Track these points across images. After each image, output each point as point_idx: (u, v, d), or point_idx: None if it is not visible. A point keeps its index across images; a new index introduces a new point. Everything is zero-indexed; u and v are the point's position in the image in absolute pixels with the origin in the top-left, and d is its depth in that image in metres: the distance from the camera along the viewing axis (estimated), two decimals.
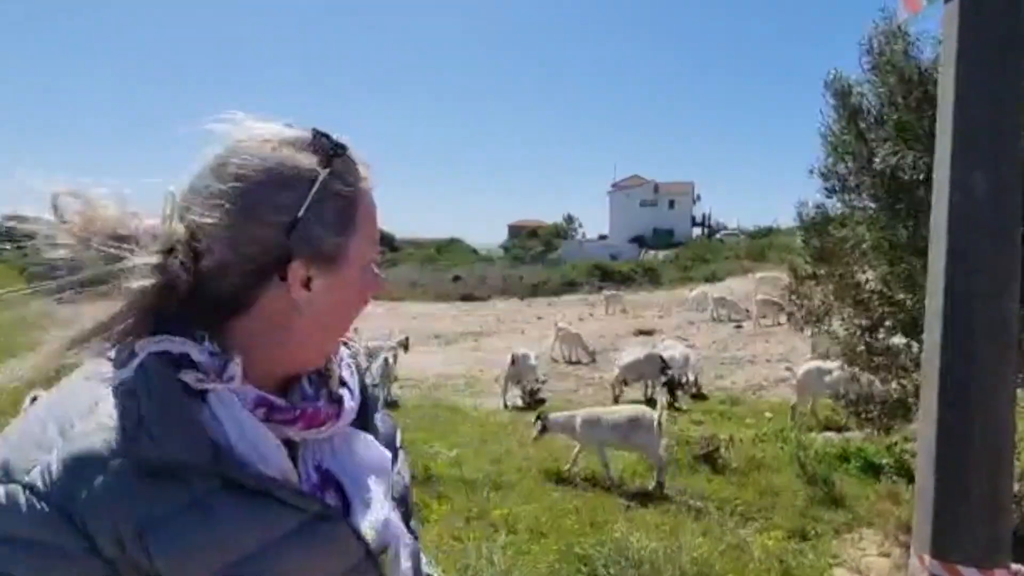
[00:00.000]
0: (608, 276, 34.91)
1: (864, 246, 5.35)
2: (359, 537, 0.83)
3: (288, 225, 0.79)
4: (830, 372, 7.90)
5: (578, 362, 15.04)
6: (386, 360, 10.69)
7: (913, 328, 5.37)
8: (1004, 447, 2.77)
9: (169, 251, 0.77)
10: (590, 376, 13.39)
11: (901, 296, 5.29)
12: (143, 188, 0.84)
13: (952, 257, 2.77)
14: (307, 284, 0.82)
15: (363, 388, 0.99)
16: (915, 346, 5.46)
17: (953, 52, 2.80)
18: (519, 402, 11.25)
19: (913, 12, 3.00)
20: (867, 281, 5.39)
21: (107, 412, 0.72)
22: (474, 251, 58.48)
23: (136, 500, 0.70)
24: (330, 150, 0.83)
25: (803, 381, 9.15)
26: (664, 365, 10.95)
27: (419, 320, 23.11)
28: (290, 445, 0.83)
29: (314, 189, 0.80)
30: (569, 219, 69.15)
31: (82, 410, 0.73)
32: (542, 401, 11.20)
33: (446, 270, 39.54)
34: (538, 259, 46.20)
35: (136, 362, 0.75)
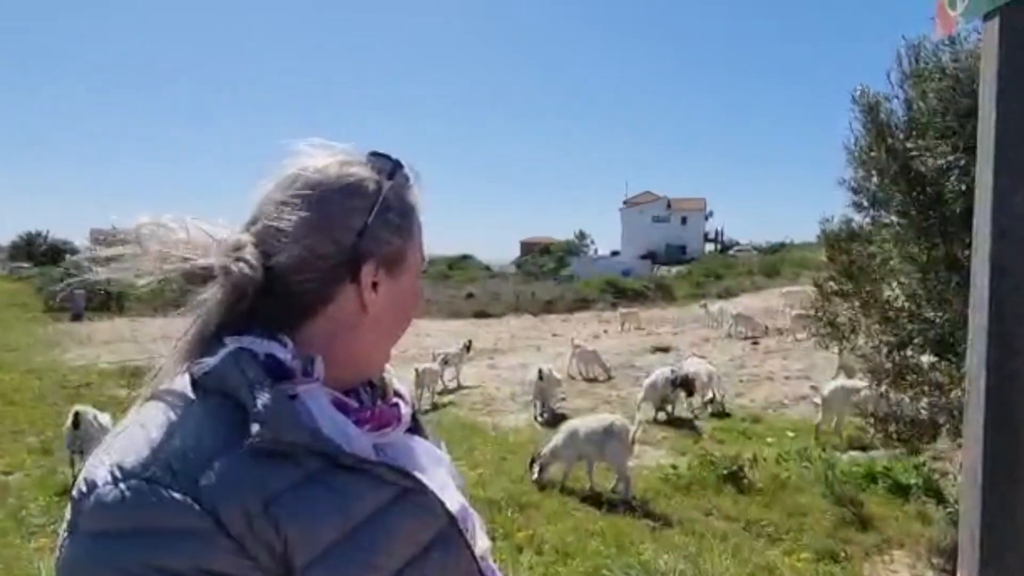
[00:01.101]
0: (621, 293, 34.80)
1: (892, 262, 5.30)
2: (444, 507, 0.87)
3: (359, 229, 0.86)
4: (857, 391, 7.80)
5: (595, 379, 14.95)
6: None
7: (943, 346, 5.30)
8: None
9: (235, 257, 0.82)
10: (608, 394, 13.29)
11: (930, 313, 5.23)
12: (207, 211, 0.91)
13: (996, 274, 2.72)
14: (375, 287, 0.88)
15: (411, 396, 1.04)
16: (944, 364, 5.40)
17: (994, 69, 2.77)
18: (538, 419, 11.21)
19: (948, 32, 2.98)
20: (896, 298, 5.33)
21: (207, 403, 0.78)
22: (487, 267, 58.56)
23: (256, 478, 0.74)
24: (390, 165, 0.92)
25: (828, 400, 9.03)
26: (676, 380, 10.86)
27: (434, 337, 23.12)
28: None
29: (381, 197, 0.88)
30: (581, 235, 69.22)
31: (180, 409, 0.79)
32: (564, 417, 11.15)
33: (459, 287, 39.58)
34: (550, 275, 46.18)
35: (224, 352, 0.80)
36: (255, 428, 0.74)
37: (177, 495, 0.71)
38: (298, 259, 0.84)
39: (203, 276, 0.82)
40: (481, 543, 0.97)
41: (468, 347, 15.88)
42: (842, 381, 9.02)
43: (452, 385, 14.61)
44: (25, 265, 42.90)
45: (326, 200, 0.86)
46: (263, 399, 0.76)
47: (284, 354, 0.82)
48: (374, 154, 0.93)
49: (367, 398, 0.95)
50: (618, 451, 6.84)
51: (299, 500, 0.75)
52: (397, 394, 1.00)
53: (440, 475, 0.95)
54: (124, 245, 0.84)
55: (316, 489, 0.77)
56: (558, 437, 7.11)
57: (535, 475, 7.07)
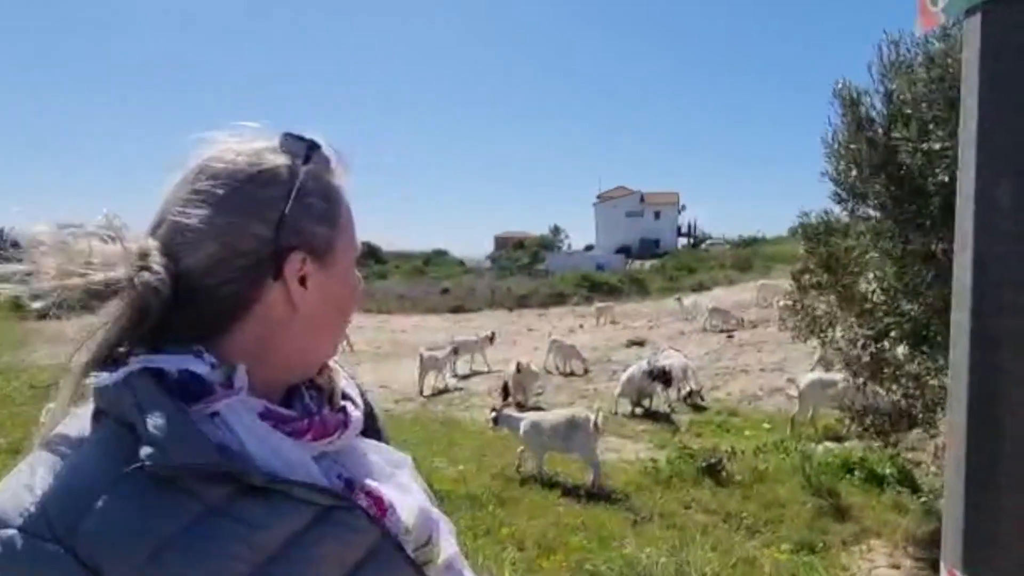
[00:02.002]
0: (596, 287, 34.95)
1: (869, 255, 5.36)
2: (372, 520, 0.78)
3: (277, 220, 0.78)
4: (833, 383, 7.89)
5: (572, 373, 14.99)
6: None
7: (918, 338, 5.38)
8: None
9: (140, 267, 0.74)
10: (585, 388, 13.34)
11: (906, 306, 5.30)
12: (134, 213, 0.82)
13: (978, 268, 2.76)
14: (303, 281, 0.80)
15: (365, 400, 0.96)
16: (919, 356, 5.48)
17: (975, 63, 2.80)
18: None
19: (931, 28, 3.00)
20: (873, 291, 5.39)
21: (98, 434, 0.70)
22: (461, 263, 58.46)
23: (144, 520, 0.65)
24: (306, 148, 0.82)
25: (805, 393, 9.13)
26: (653, 372, 10.93)
27: (409, 333, 23.02)
28: None
29: (296, 184, 0.79)
30: (555, 230, 69.42)
31: (71, 440, 0.71)
32: (538, 411, 11.17)
33: (434, 283, 39.45)
34: (525, 270, 46.21)
35: (120, 373, 0.71)
36: (144, 452, 0.66)
37: (51, 546, 0.62)
38: (211, 260, 0.76)
39: (107, 292, 0.73)
40: (447, 550, 0.90)
41: (492, 338, 16.53)
42: (819, 374, 9.13)
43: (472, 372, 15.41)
44: None
45: (235, 191, 0.77)
46: (155, 420, 0.68)
47: (202, 367, 0.74)
48: (288, 136, 0.83)
49: (313, 403, 0.87)
50: (583, 442, 6.99)
51: (197, 540, 0.66)
52: (346, 396, 0.92)
53: (398, 480, 0.89)
54: (16, 261, 0.73)
55: (217, 524, 0.68)
56: (523, 422, 7.37)
57: (490, 424, 7.73)
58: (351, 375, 0.99)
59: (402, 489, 0.87)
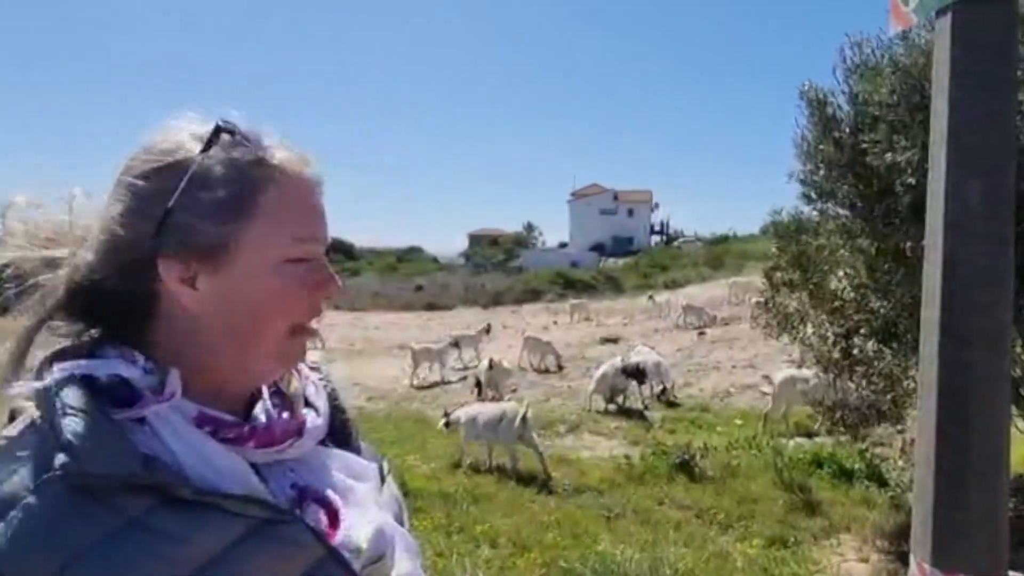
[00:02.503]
0: (570, 284, 35.07)
1: (839, 254, 5.42)
2: (318, 536, 0.74)
3: (161, 217, 0.73)
4: (806, 380, 7.98)
5: (546, 371, 15.00)
6: None
7: (887, 335, 5.46)
8: (1001, 457, 2.80)
9: (78, 249, 0.74)
10: (559, 385, 13.36)
11: (876, 303, 5.37)
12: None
13: (948, 267, 2.79)
14: (192, 282, 0.74)
15: (337, 408, 0.92)
16: (889, 353, 5.56)
17: (946, 64, 2.83)
18: None
19: (903, 27, 3.03)
20: (843, 288, 5.46)
21: (14, 444, 0.67)
22: (435, 260, 58.27)
23: (55, 532, 0.61)
24: (209, 131, 0.75)
25: (780, 389, 9.22)
26: (627, 369, 10.99)
27: (383, 330, 22.90)
28: (256, 467, 0.76)
29: (187, 176, 0.73)
30: (529, 227, 69.52)
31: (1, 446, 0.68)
32: None
33: (408, 279, 39.26)
34: (499, 267, 46.23)
35: (47, 380, 0.69)
36: (59, 460, 0.62)
37: None
38: (101, 254, 0.74)
39: (53, 267, 0.75)
40: (402, 567, 0.85)
41: (488, 330, 17.22)
42: (794, 370, 9.23)
43: (472, 365, 15.35)
44: None
45: (135, 182, 0.73)
46: (73, 426, 0.64)
47: (132, 371, 0.71)
48: (219, 122, 0.76)
49: (275, 410, 0.84)
50: (508, 434, 7.33)
51: (110, 555, 0.62)
52: (310, 404, 0.88)
53: (359, 493, 0.85)
54: None
55: (135, 538, 0.63)
56: (461, 416, 7.84)
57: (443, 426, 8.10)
58: (324, 379, 0.95)
59: (358, 502, 0.83)
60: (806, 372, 7.84)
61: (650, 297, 25.87)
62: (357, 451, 0.93)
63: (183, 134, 0.76)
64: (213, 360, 0.77)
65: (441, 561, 4.80)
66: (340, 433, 0.92)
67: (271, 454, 0.77)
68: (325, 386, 0.94)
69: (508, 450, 7.45)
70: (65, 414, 0.65)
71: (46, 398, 0.68)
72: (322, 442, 0.87)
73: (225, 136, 0.75)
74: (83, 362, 0.71)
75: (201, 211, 0.73)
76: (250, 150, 0.76)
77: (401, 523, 0.92)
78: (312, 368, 0.96)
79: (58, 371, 0.70)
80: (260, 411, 0.83)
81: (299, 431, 0.81)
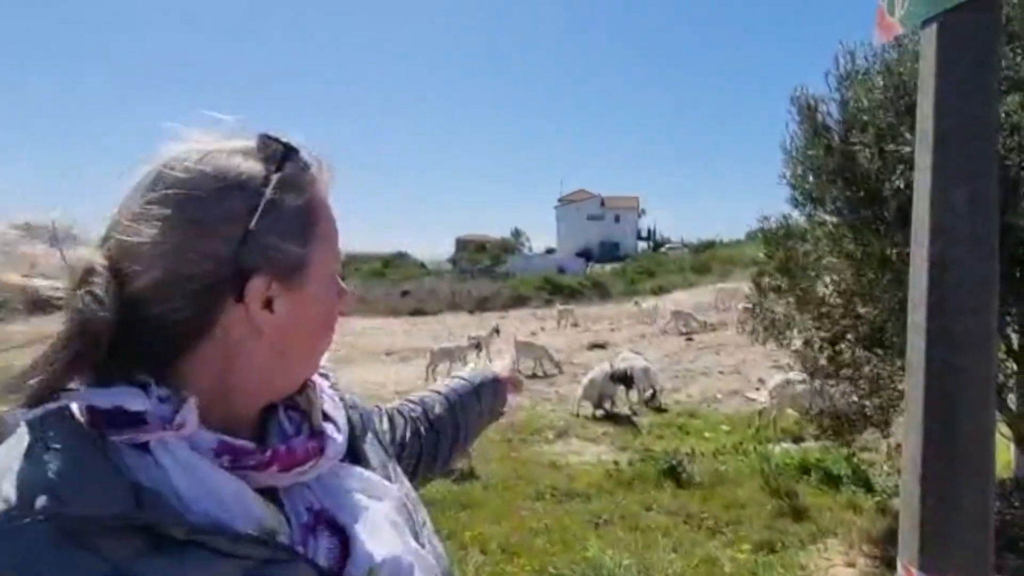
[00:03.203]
0: (557, 290, 35.15)
1: (826, 259, 5.46)
2: (320, 570, 0.71)
3: (240, 237, 0.69)
4: (801, 383, 7.98)
5: (535, 375, 14.98)
6: None
7: (874, 340, 5.50)
8: (988, 459, 2.82)
9: (80, 284, 0.65)
10: (547, 391, 13.34)
11: (862, 309, 5.41)
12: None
13: (934, 271, 2.82)
14: (269, 304, 0.72)
15: (349, 420, 0.89)
16: (875, 358, 5.60)
17: (932, 71, 2.87)
18: None
19: (889, 38, 3.06)
20: (830, 294, 5.50)
21: (17, 476, 0.62)
22: (422, 265, 58.17)
23: None
24: (281, 153, 0.74)
25: (775, 392, 9.23)
26: (615, 375, 11.01)
27: (369, 336, 22.80)
28: (275, 491, 0.74)
29: (266, 196, 0.71)
30: (516, 233, 69.63)
31: None
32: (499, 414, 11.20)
33: (394, 285, 39.17)
34: (486, 273, 46.19)
35: (39, 411, 0.64)
36: (40, 502, 0.58)
37: None
38: (160, 284, 0.67)
39: (49, 305, 0.65)
40: None
41: (497, 331, 17.78)
42: (788, 374, 9.25)
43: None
44: None
45: (194, 203, 0.68)
46: (58, 464, 0.61)
47: (143, 403, 0.65)
48: (265, 137, 0.75)
49: (290, 425, 0.80)
50: None
51: None
52: (327, 418, 0.84)
53: (375, 514, 0.80)
54: None
55: None
56: None
57: None
58: (333, 387, 0.92)
59: (374, 526, 0.79)
60: (800, 376, 7.88)
61: (636, 303, 25.95)
62: (368, 460, 0.89)
63: (233, 152, 0.73)
64: (259, 382, 0.75)
65: None
66: (353, 446, 0.88)
67: (293, 477, 0.75)
68: (340, 396, 0.92)
69: None
70: (49, 448, 0.62)
71: (32, 431, 0.64)
72: (342, 459, 0.84)
73: (294, 157, 0.75)
74: (90, 392, 0.66)
75: (281, 232, 0.72)
76: (309, 174, 0.77)
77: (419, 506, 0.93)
78: (322, 375, 0.92)
79: (62, 400, 0.65)
80: (276, 429, 0.79)
81: (321, 449, 0.78)
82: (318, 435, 0.80)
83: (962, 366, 2.72)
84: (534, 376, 14.95)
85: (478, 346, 15.34)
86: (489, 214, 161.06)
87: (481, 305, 31.76)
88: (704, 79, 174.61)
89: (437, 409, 1.30)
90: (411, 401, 1.32)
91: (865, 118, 4.49)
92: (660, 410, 11.37)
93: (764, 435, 9.06)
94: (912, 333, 2.96)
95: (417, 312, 30.10)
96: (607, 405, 11.18)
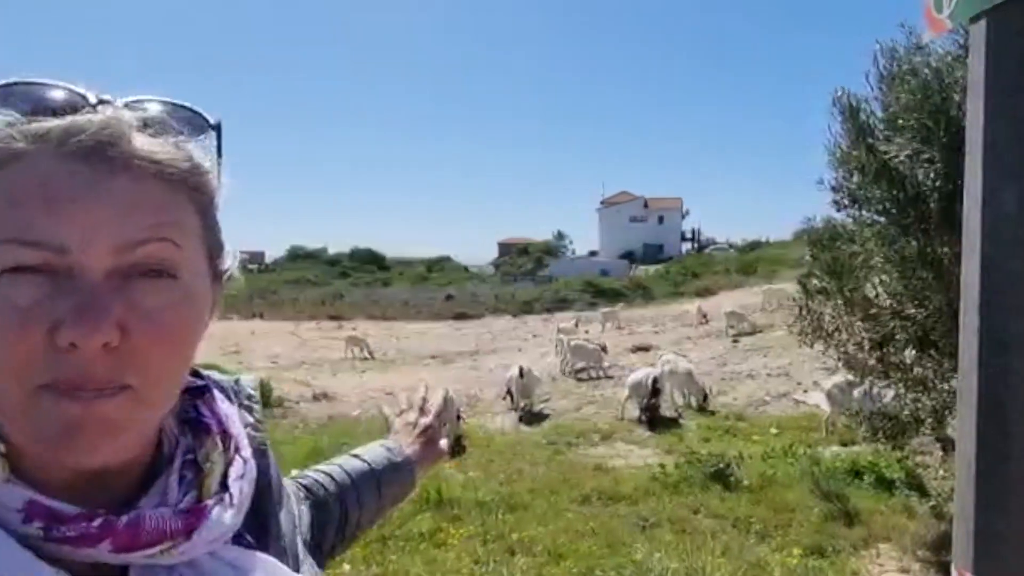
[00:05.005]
0: (600, 292, 35.08)
1: (874, 260, 5.38)
2: None
3: None
4: (857, 385, 7.83)
5: (592, 377, 14.92)
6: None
7: (924, 342, 5.40)
8: None
9: None
10: (592, 393, 13.34)
11: (911, 310, 5.32)
12: None
13: (986, 272, 2.79)
14: None
15: (264, 483, 0.69)
16: (926, 360, 5.50)
17: (981, 71, 2.84)
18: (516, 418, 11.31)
19: (937, 34, 3.04)
20: (878, 295, 5.42)
21: None
22: (465, 269, 58.60)
23: None
24: None
25: (832, 394, 9.06)
26: (657, 379, 10.97)
27: (414, 340, 23.08)
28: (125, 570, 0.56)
29: None
30: (559, 236, 69.63)
31: None
32: (544, 416, 11.30)
33: (438, 289, 39.54)
34: (529, 276, 46.31)
35: None
36: None
37: None
38: None
39: None
40: None
41: (577, 324, 19.09)
42: (844, 376, 9.08)
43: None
44: None
45: None
46: None
47: None
48: None
49: (177, 490, 0.60)
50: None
51: None
52: (225, 486, 0.63)
53: None
54: None
55: None
56: None
57: None
58: (255, 427, 0.72)
59: None
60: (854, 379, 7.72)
61: (698, 308, 25.36)
62: (278, 535, 0.69)
63: None
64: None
65: (478, 569, 4.86)
66: (260, 520, 0.68)
67: (139, 558, 0.55)
68: (260, 443, 0.71)
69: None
70: None
71: None
72: (240, 537, 0.64)
73: None
74: None
75: None
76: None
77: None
78: (245, 407, 0.73)
79: None
80: (159, 490, 0.59)
81: (188, 530, 0.57)
82: (195, 511, 0.59)
83: (1014, 367, 2.69)
84: (588, 378, 14.93)
85: (604, 349, 15.56)
86: (531, 217, 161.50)
87: (524, 308, 31.87)
88: (749, 77, 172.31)
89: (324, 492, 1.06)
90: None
91: (903, 119, 4.45)
92: (706, 412, 11.28)
93: (813, 438, 8.93)
94: (963, 335, 2.93)
95: (460, 316, 30.32)
96: (652, 407, 11.13)
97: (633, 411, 10.97)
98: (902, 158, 4.53)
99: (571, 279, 39.41)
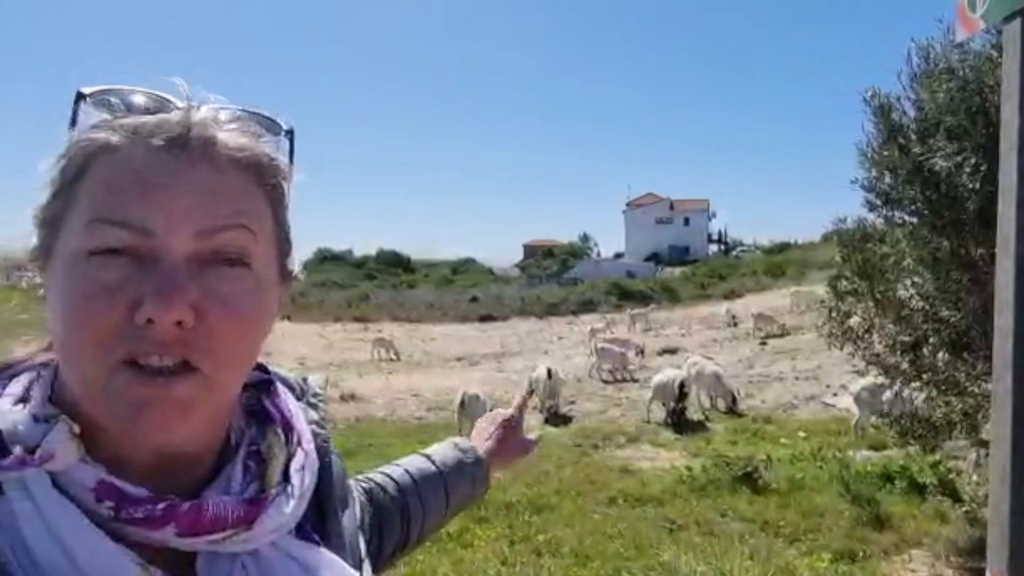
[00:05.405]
0: (626, 295, 34.91)
1: (906, 262, 5.32)
2: None
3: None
4: (885, 388, 7.73)
5: (622, 379, 14.88)
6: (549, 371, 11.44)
7: (958, 345, 5.32)
8: None
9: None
10: (617, 396, 13.31)
11: (945, 312, 5.25)
12: None
13: (1020, 273, 2.75)
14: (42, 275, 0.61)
15: (324, 479, 0.70)
16: (960, 363, 5.41)
17: (1016, 69, 2.81)
18: (547, 420, 11.32)
19: (970, 34, 3.01)
20: (911, 297, 5.35)
21: None
22: (490, 271, 58.69)
23: None
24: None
25: (860, 397, 8.95)
26: (684, 382, 10.92)
27: (439, 341, 23.19)
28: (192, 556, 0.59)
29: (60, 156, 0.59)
30: (585, 238, 69.48)
31: None
32: (570, 418, 11.31)
33: (463, 291, 39.66)
34: (554, 278, 46.26)
35: None
36: None
37: None
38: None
39: None
40: None
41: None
42: (872, 379, 8.97)
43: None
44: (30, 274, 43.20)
45: None
46: None
47: (1, 420, 0.56)
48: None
49: (240, 480, 0.62)
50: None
51: None
52: (287, 478, 0.65)
53: None
54: None
55: None
56: None
57: None
58: (320, 423, 0.75)
59: None
60: (885, 381, 7.62)
61: (727, 311, 25.15)
62: (339, 533, 0.71)
63: None
64: (73, 396, 0.58)
65: (505, 570, 4.88)
66: (322, 517, 0.70)
67: (203, 544, 0.58)
68: (323, 441, 0.73)
69: None
70: None
71: None
72: (303, 531, 0.66)
73: (79, 102, 0.61)
74: None
75: (44, 201, 0.60)
76: (90, 119, 0.60)
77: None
78: (311, 404, 0.76)
79: None
80: (224, 480, 0.62)
81: (249, 519, 0.59)
82: (257, 500, 0.61)
83: None
84: (619, 380, 14.90)
85: (642, 351, 15.60)
86: (557, 219, 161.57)
87: (550, 310, 31.85)
88: (776, 77, 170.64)
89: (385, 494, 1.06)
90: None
91: (937, 119, 4.39)
92: (735, 414, 11.21)
93: (844, 441, 8.82)
94: (998, 337, 2.90)
95: (486, 318, 30.39)
96: (679, 410, 11.09)
97: (659, 414, 10.93)
98: (938, 159, 4.48)
99: (597, 281, 39.29)
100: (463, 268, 59.66)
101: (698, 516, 6.25)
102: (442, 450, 1.15)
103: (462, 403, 9.71)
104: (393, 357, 19.50)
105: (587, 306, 32.75)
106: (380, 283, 48.17)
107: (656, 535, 5.77)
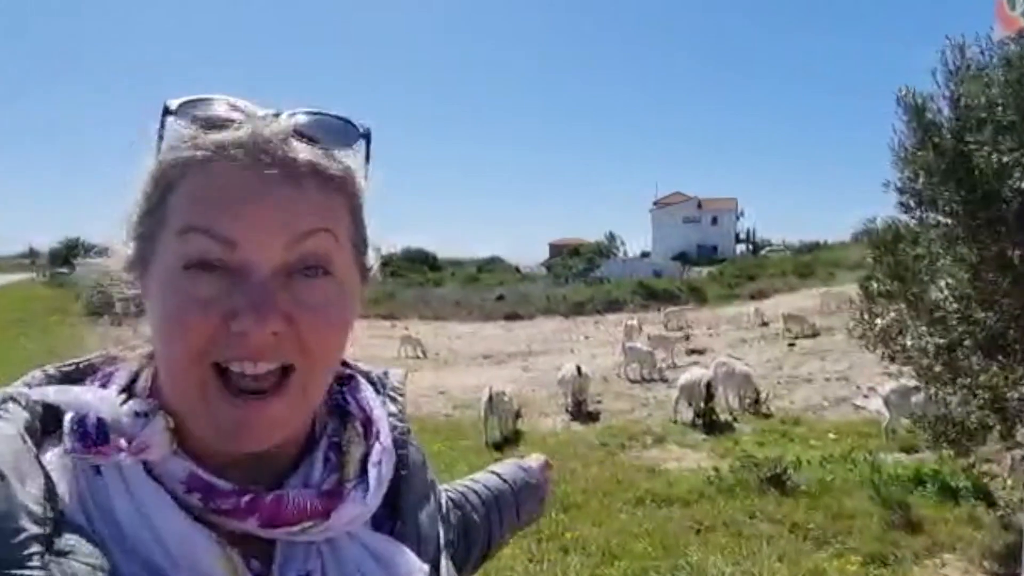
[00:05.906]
0: (653, 294, 34.66)
1: (940, 263, 5.25)
2: None
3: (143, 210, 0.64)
4: (917, 391, 7.62)
5: (651, 380, 14.82)
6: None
7: (994, 347, 5.24)
8: None
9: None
10: (644, 396, 13.26)
11: (980, 314, 5.17)
12: None
13: None
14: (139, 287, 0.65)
15: (401, 475, 0.74)
16: (995, 366, 5.33)
17: None
18: (574, 418, 11.32)
19: (1011, 32, 2.98)
20: (945, 299, 5.27)
21: None
22: (516, 270, 58.71)
23: None
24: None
25: (890, 400, 8.83)
26: (711, 382, 10.86)
27: (465, 340, 23.26)
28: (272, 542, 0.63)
29: (147, 170, 0.63)
30: (611, 237, 68.98)
31: None
32: (596, 417, 11.31)
33: (489, 289, 39.69)
34: (580, 277, 46.09)
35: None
36: None
37: None
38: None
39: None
40: None
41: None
42: (903, 381, 8.84)
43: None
44: (64, 271, 44.06)
45: None
46: None
47: (108, 410, 0.60)
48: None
49: (321, 471, 0.66)
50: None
51: None
52: (364, 471, 0.68)
53: None
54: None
55: None
56: None
57: None
58: (399, 416, 0.78)
59: None
60: (915, 383, 7.51)
61: (756, 310, 24.87)
62: (416, 527, 0.74)
63: None
64: (166, 398, 0.63)
65: (532, 567, 4.91)
66: (399, 511, 0.73)
67: (282, 534, 0.62)
68: (401, 433, 0.77)
69: None
70: None
71: None
72: (380, 523, 0.70)
73: (166, 116, 0.63)
74: (48, 390, 0.62)
75: (138, 207, 0.64)
76: (179, 134, 0.62)
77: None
78: (391, 396, 0.80)
79: (32, 391, 0.62)
80: (304, 471, 0.66)
81: (327, 511, 0.63)
82: (334, 493, 0.65)
83: None
84: (648, 380, 14.83)
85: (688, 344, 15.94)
86: (583, 218, 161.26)
87: (575, 309, 31.74)
88: (804, 76, 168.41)
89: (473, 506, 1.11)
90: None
91: (981, 115, 4.31)
92: (762, 415, 11.11)
93: (876, 444, 8.72)
94: None
95: (512, 316, 30.38)
96: (706, 410, 11.02)
97: (686, 414, 10.88)
98: (978, 157, 4.41)
99: (623, 280, 39.06)
100: (489, 266, 59.77)
101: (725, 517, 6.23)
102: (509, 468, 1.22)
103: (489, 400, 9.72)
104: (420, 355, 19.60)
105: (613, 305, 32.55)
106: (406, 281, 48.45)
107: (683, 536, 5.77)
